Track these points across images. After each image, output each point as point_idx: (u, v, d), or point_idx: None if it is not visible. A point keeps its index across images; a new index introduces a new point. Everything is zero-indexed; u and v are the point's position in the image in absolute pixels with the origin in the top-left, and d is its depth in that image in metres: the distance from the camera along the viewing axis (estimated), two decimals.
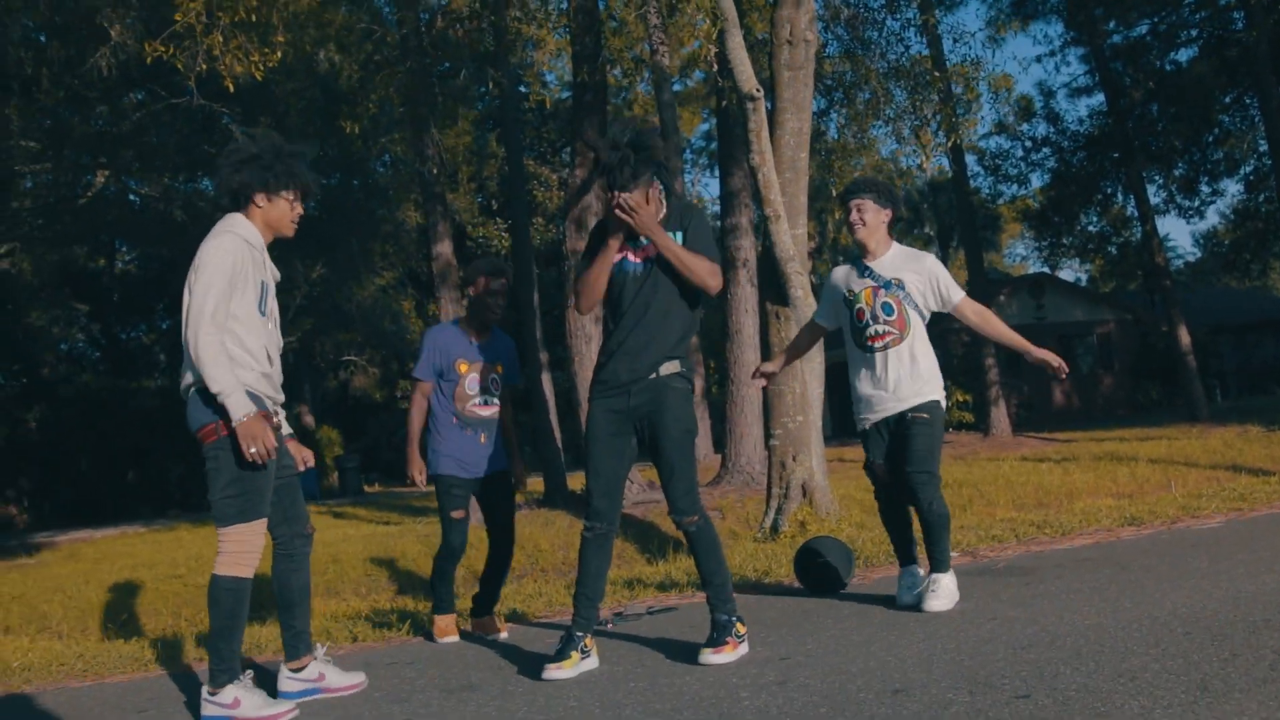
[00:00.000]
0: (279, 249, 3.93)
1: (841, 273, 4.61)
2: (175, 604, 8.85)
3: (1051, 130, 22.03)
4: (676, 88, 37.67)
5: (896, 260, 4.43)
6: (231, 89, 9.85)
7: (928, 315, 4.41)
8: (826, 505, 8.10)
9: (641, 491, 12.23)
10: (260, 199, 3.58)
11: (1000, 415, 20.30)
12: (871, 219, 4.40)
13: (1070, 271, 48.66)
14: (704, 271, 3.70)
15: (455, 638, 4.68)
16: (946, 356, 26.22)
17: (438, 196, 12.32)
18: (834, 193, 13.99)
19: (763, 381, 4.52)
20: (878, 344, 4.36)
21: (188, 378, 3.49)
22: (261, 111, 17.04)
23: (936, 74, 11.26)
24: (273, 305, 3.67)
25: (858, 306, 4.43)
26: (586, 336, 11.97)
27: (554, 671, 3.60)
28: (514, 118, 14.78)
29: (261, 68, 9.60)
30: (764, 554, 6.76)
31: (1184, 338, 20.28)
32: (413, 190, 18.32)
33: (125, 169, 16.76)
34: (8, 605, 9.30)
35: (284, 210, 3.63)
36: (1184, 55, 21.11)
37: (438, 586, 4.77)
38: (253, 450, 3.35)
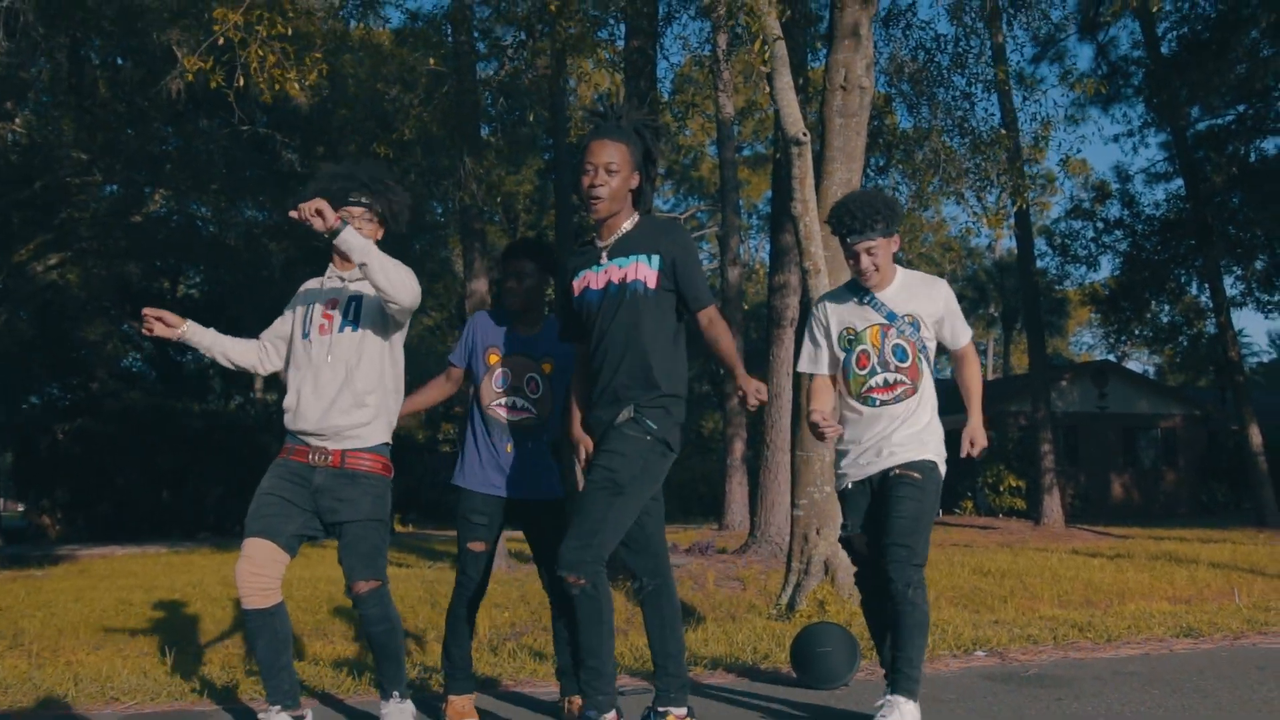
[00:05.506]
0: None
1: (833, 305, 3.71)
2: (149, 629, 8.42)
3: (1126, 213, 21.23)
4: (746, 152, 37.67)
5: (907, 289, 3.60)
6: (269, 100, 9.60)
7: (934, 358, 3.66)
8: (849, 585, 7.43)
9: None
10: None
11: (1053, 504, 19.35)
12: (884, 259, 3.54)
13: (1137, 364, 47.40)
14: (721, 334, 3.23)
15: None
16: (1001, 440, 25.27)
17: (476, 232, 11.99)
18: None
19: (836, 431, 3.52)
20: (884, 396, 3.55)
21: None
22: (317, 141, 17.02)
23: (1004, 130, 10.70)
24: (320, 322, 3.47)
25: (860, 349, 3.58)
26: None
27: None
28: (566, 161, 14.51)
29: (298, 85, 9.37)
30: (771, 634, 6.13)
31: (1255, 437, 19.24)
32: (454, 227, 18.16)
33: (169, 184, 16.78)
34: None
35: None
36: (1270, 144, 20.31)
37: (450, 647, 3.85)
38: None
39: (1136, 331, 22.78)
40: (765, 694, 4.22)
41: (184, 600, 10.04)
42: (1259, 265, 20.72)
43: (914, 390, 3.53)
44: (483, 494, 3.80)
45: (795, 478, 7.83)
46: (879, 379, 3.55)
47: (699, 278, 3.27)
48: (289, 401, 3.46)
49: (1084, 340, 55.12)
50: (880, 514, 3.47)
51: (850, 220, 3.50)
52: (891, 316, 3.55)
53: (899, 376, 3.53)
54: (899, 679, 3.35)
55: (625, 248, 3.27)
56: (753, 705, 3.98)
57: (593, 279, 3.31)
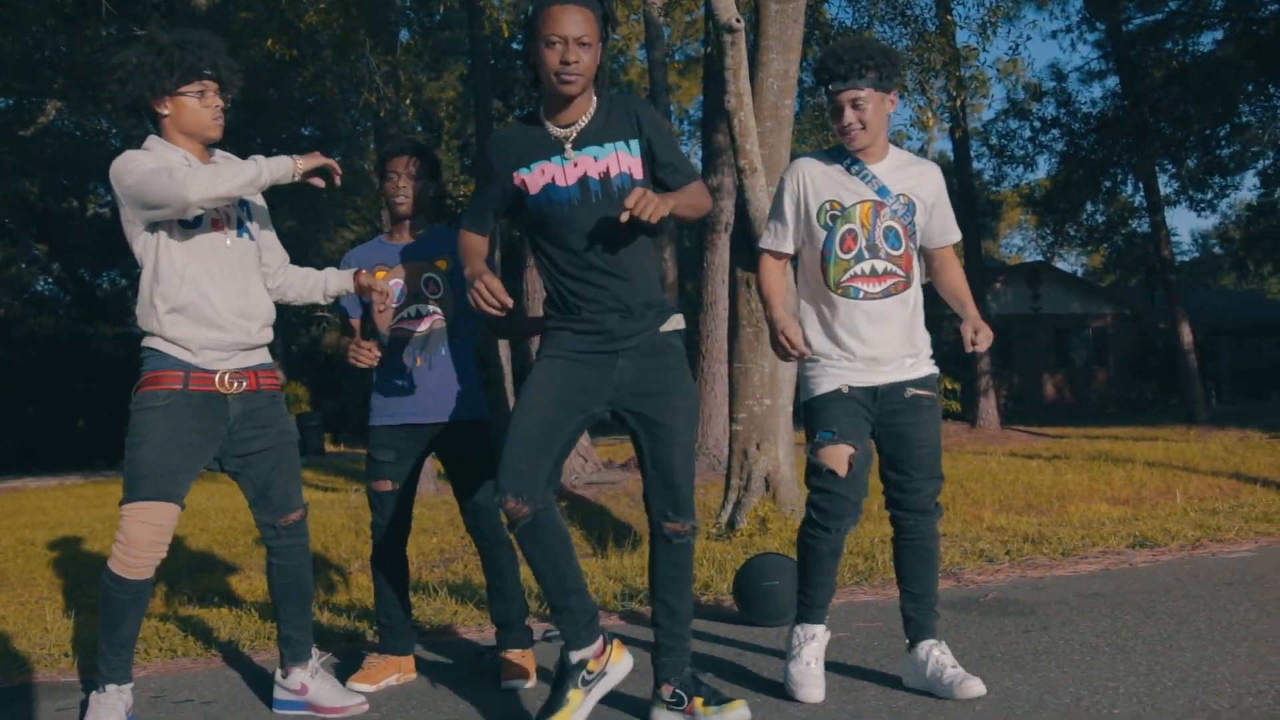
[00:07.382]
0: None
1: (816, 169, 2.94)
2: (48, 573, 7.84)
3: (1062, 111, 20.93)
4: (678, 56, 36.52)
5: (901, 166, 2.94)
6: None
7: None
8: (791, 501, 7.11)
9: (596, 471, 11.24)
10: (161, 107, 2.89)
11: (989, 406, 19.38)
12: (874, 116, 2.83)
13: (1067, 264, 47.90)
14: (703, 203, 2.70)
15: (368, 686, 3.25)
16: (937, 341, 25.28)
17: (391, 139, 11.19)
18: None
19: (805, 354, 2.85)
20: (869, 288, 2.88)
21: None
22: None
23: (949, 16, 10.15)
24: (211, 214, 2.96)
25: (847, 228, 2.89)
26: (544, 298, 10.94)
27: None
28: (484, 64, 13.75)
29: None
30: (712, 558, 5.77)
31: (1186, 336, 19.36)
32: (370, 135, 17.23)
33: (56, 95, 15.58)
34: None
35: (194, 109, 2.92)
36: (1208, 38, 20.05)
37: (377, 603, 3.49)
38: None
39: (1071, 231, 22.69)
40: (707, 631, 3.84)
41: (90, 537, 9.47)
42: (1192, 163, 20.64)
43: (906, 284, 2.92)
44: (386, 425, 3.34)
45: (733, 390, 7.42)
46: (865, 266, 2.88)
47: (677, 154, 2.74)
48: (186, 297, 2.86)
49: (1014, 243, 55.52)
50: (897, 440, 2.91)
51: (836, 65, 2.82)
52: (884, 192, 2.89)
53: (890, 266, 2.89)
54: (932, 620, 3.00)
55: (596, 135, 2.68)
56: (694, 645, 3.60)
57: (557, 173, 2.68)
